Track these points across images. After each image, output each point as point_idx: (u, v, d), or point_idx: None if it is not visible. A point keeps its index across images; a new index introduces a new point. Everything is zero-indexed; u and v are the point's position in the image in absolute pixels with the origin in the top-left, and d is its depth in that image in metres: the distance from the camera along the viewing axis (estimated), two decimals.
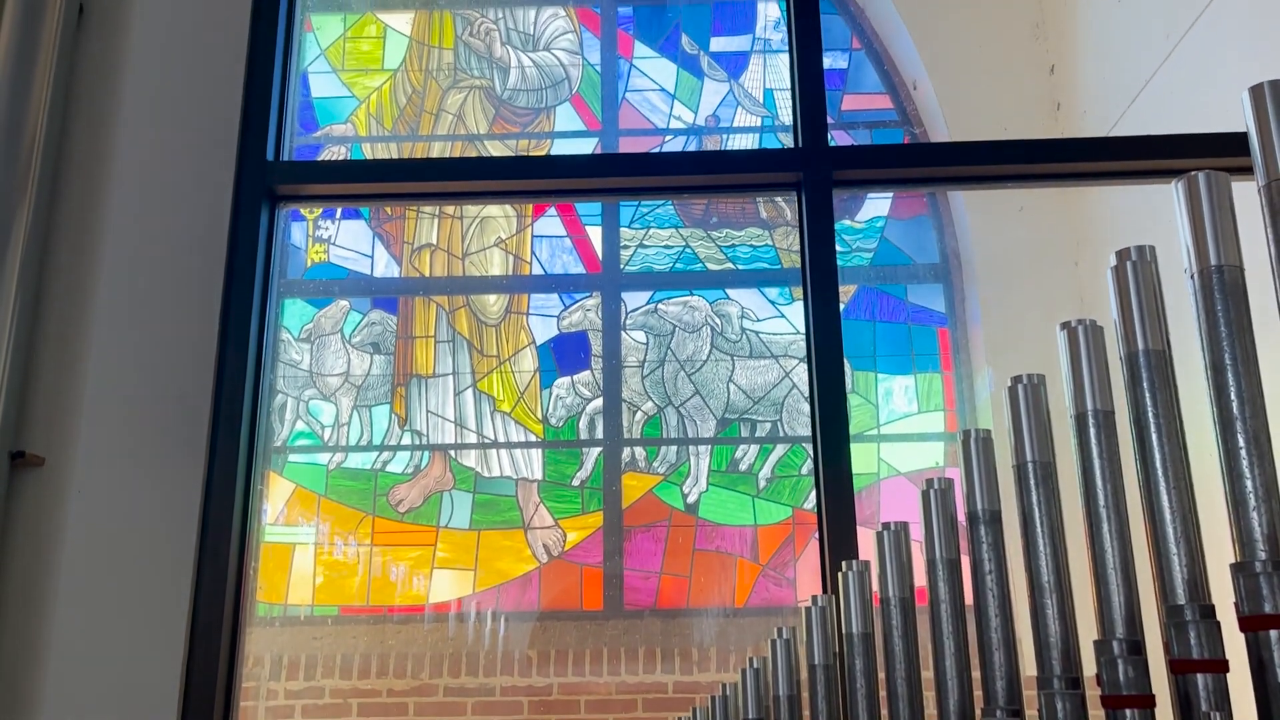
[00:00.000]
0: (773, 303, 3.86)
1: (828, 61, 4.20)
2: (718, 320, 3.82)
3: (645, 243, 3.91)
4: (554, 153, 4.02)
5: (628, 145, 4.02)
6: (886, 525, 1.22)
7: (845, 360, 3.84)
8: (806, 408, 3.77)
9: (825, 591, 2.17)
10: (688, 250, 3.91)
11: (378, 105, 4.13)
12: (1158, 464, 1.19)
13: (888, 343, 3.81)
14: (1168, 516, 1.16)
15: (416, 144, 4.06)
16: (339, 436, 3.75)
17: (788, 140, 4.07)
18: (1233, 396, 1.18)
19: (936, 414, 3.74)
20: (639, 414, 3.73)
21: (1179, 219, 1.32)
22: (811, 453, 2.01)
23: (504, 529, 3.64)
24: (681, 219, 3.89)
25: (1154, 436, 1.19)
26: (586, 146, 4.04)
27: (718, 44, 4.19)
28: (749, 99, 4.11)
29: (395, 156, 4.06)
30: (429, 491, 3.69)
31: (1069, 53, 3.64)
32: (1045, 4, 3.81)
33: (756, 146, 4.04)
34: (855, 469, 3.81)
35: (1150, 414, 1.20)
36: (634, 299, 3.84)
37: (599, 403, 3.73)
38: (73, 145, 1.78)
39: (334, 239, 3.97)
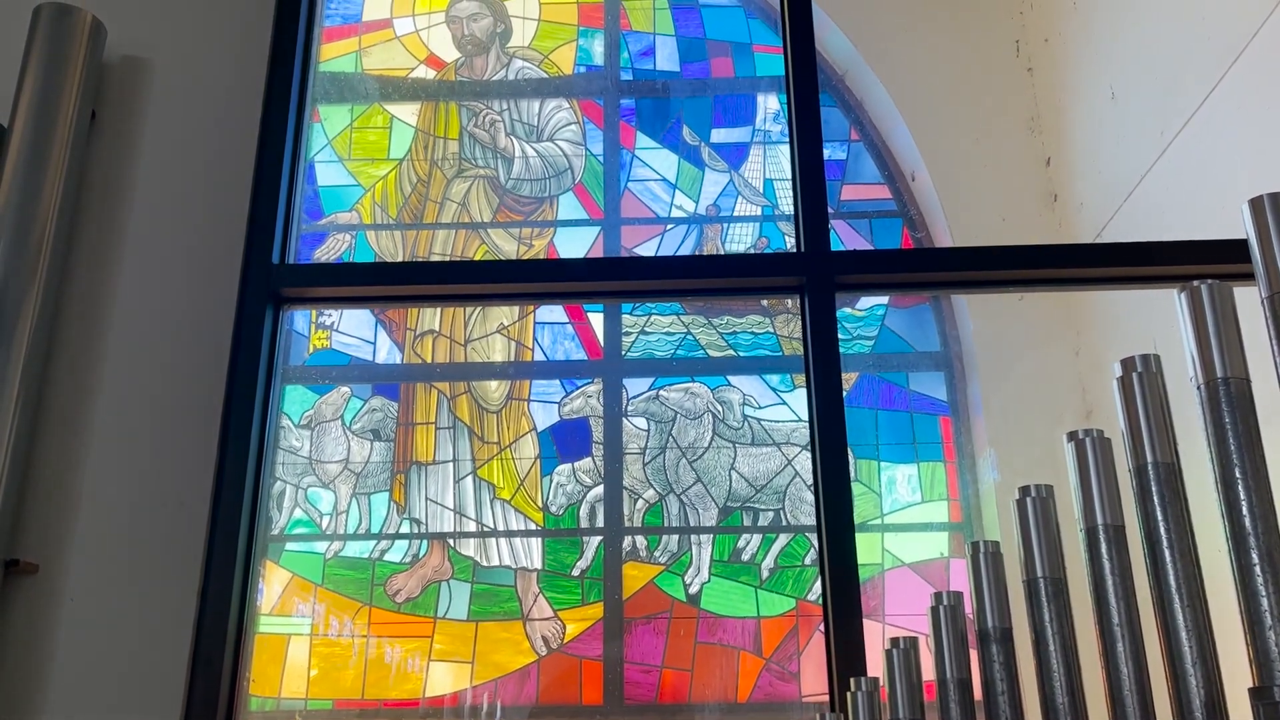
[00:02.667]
0: (774, 389, 3.86)
1: (826, 153, 4.28)
2: (719, 407, 3.82)
3: (647, 329, 3.93)
4: (557, 240, 4.07)
5: (629, 234, 4.06)
6: (896, 643, 1.20)
7: (849, 449, 3.84)
8: (809, 496, 3.74)
9: (831, 688, 2.12)
10: (689, 337, 3.93)
11: (383, 194, 4.18)
12: (1171, 581, 1.17)
13: (890, 431, 3.80)
14: (1183, 636, 1.14)
15: (421, 232, 4.11)
16: (337, 524, 3.71)
17: (788, 229, 4.12)
18: (1244, 512, 1.16)
19: (940, 503, 3.71)
20: (640, 502, 3.70)
21: (1183, 329, 1.33)
22: (816, 544, 1.99)
23: (503, 620, 3.58)
24: (683, 306, 3.91)
25: (1166, 552, 1.18)
26: (589, 236, 4.08)
27: (718, 135, 4.26)
28: (749, 189, 4.17)
29: (400, 244, 4.10)
30: (427, 581, 3.64)
31: (1065, 146, 3.70)
32: (1040, 98, 3.88)
33: (757, 235, 4.08)
34: (859, 559, 3.77)
35: (1162, 528, 1.19)
36: (635, 385, 3.84)
37: (600, 490, 3.70)
38: (80, 247, 1.80)
39: (337, 325, 3.98)
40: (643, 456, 3.74)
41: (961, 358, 3.79)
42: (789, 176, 4.29)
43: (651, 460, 3.73)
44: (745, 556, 3.64)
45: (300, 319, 3.93)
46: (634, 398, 3.81)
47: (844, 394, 3.98)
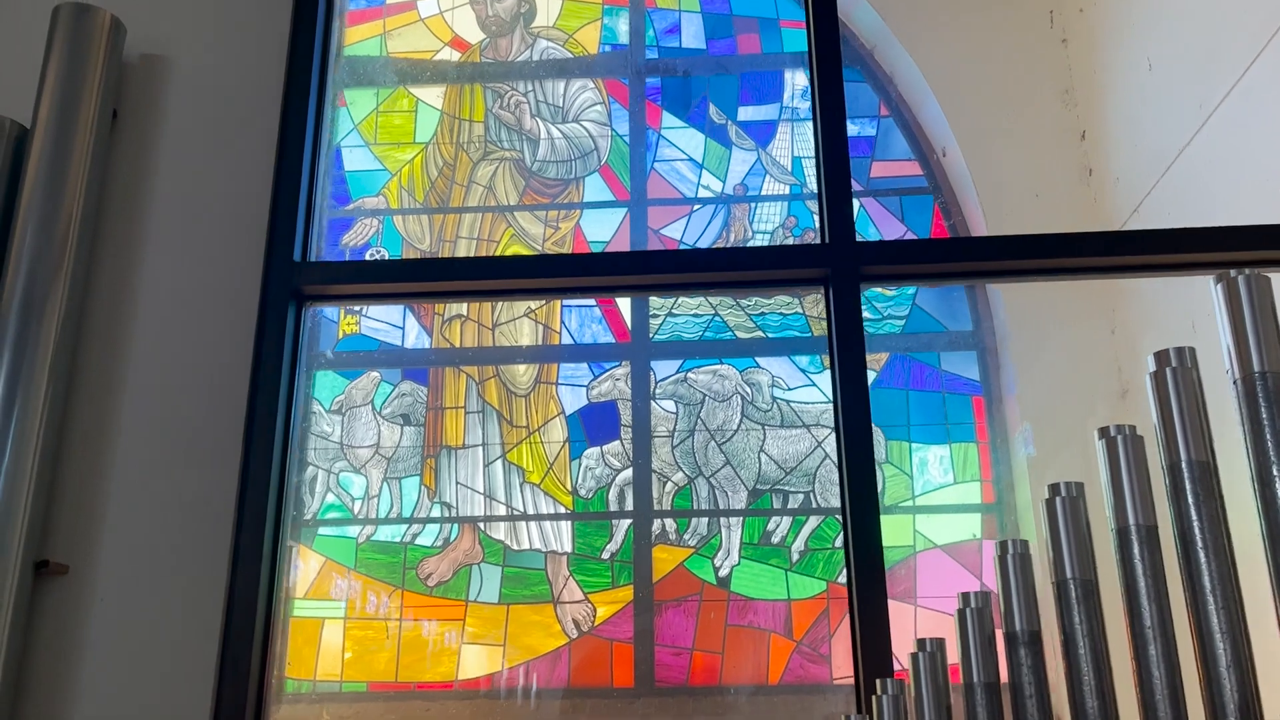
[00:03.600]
0: (803, 371, 3.82)
1: (855, 129, 4.22)
2: (748, 389, 3.79)
3: (674, 311, 3.91)
4: (584, 222, 4.05)
5: (656, 215, 4.03)
6: (922, 645, 1.18)
7: (878, 430, 3.80)
8: (838, 477, 3.72)
9: (856, 677, 2.10)
10: (717, 319, 3.90)
11: (409, 178, 4.18)
12: (1205, 582, 1.14)
13: (921, 411, 3.76)
14: (1217, 638, 1.11)
15: (447, 215, 4.10)
16: (369, 509, 3.74)
17: (815, 209, 4.07)
18: None
19: (973, 484, 3.67)
20: (669, 485, 3.69)
21: (1219, 320, 1.29)
22: (842, 534, 1.97)
23: (533, 603, 3.59)
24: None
25: (1200, 553, 1.15)
26: (616, 217, 4.06)
27: (745, 113, 4.21)
28: (777, 166, 4.12)
29: (426, 228, 4.10)
30: (458, 564, 3.66)
31: (1100, 119, 3.61)
32: (1075, 70, 3.79)
33: (785, 215, 4.04)
34: (890, 541, 3.74)
35: (1196, 528, 1.16)
36: (663, 368, 3.82)
37: (629, 473, 3.70)
38: (105, 246, 1.81)
39: (365, 310, 3.99)
40: (671, 439, 3.72)
41: (995, 336, 3.73)
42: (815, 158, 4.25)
43: (680, 443, 3.72)
44: (775, 539, 3.62)
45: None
46: (662, 380, 3.80)
47: (874, 374, 3.95)
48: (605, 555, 3.60)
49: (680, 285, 1.93)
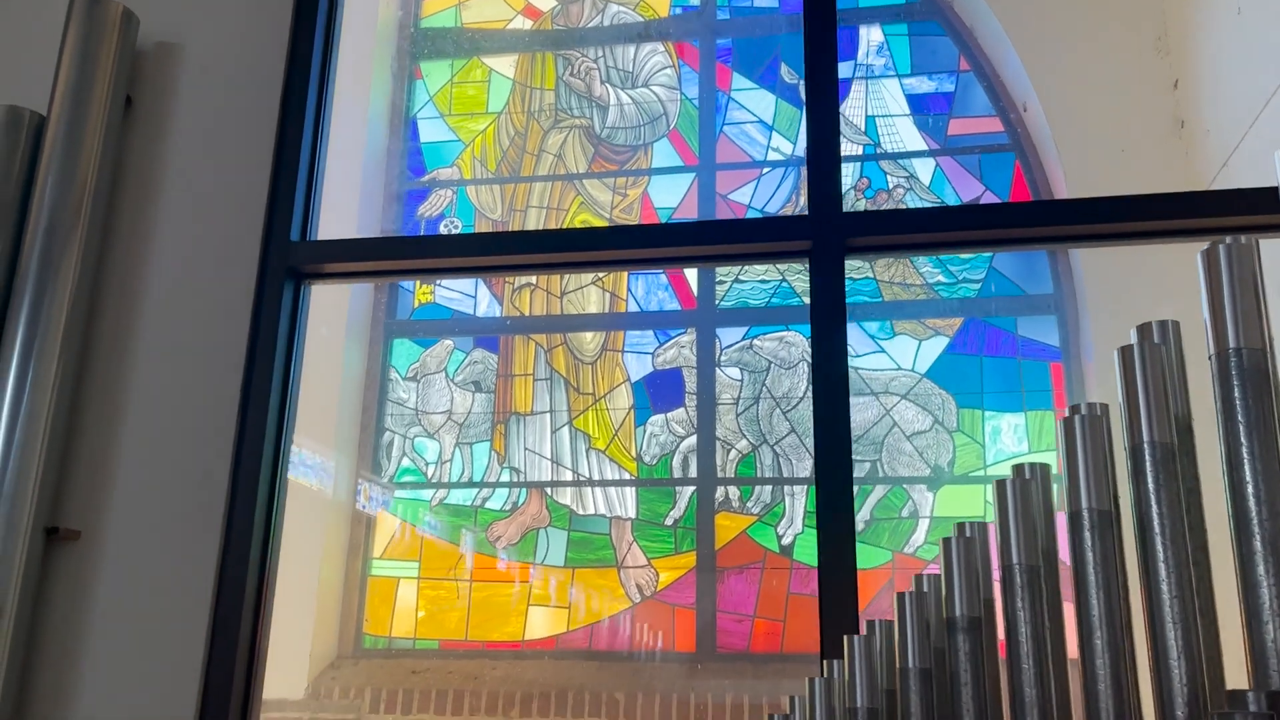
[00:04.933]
0: (872, 337, 3.74)
1: (933, 85, 4.06)
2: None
3: (741, 278, 3.87)
4: (651, 189, 4.04)
5: (724, 180, 3.98)
6: (872, 626, 1.15)
7: (950, 397, 3.68)
8: (908, 446, 3.64)
9: (822, 651, 2.03)
10: (784, 284, 3.84)
11: (482, 148, 4.24)
12: (1160, 568, 1.08)
13: (996, 379, 3.63)
14: (1168, 627, 1.05)
15: (518, 185, 4.15)
16: (441, 473, 3.85)
17: (890, 168, 3.95)
18: (1249, 495, 1.06)
19: (1049, 454, 3.53)
20: (733, 452, 3.68)
21: (1202, 293, 1.21)
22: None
23: (598, 567, 3.65)
24: None
25: (1156, 538, 1.08)
26: (684, 183, 4.03)
27: None
28: (850, 127, 4.00)
29: (498, 197, 4.15)
30: (526, 528, 3.74)
31: (1193, 67, 3.38)
32: (1169, 15, 3.56)
33: (857, 175, 3.93)
34: (961, 511, 3.64)
35: (1154, 513, 1.10)
36: (729, 335, 3.79)
37: (693, 441, 3.70)
38: (117, 226, 1.91)
39: (439, 280, 4.09)
40: (736, 406, 3.70)
41: (1075, 299, 3.57)
42: (893, 113, 4.11)
43: (745, 410, 3.70)
44: None
45: None
46: (727, 347, 3.77)
47: (948, 340, 3.82)
48: (669, 522, 3.62)
49: (661, 260, 1.91)
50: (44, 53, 1.87)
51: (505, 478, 3.80)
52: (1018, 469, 1.21)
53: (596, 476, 3.74)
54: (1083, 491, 1.11)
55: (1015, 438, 3.54)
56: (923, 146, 3.91)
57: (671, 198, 4.00)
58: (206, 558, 1.66)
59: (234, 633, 1.64)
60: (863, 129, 4.00)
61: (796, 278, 3.83)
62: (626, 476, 3.71)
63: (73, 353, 1.74)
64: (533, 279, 4.00)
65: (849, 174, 3.97)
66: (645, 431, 3.74)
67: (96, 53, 1.79)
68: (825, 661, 1.14)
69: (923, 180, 3.87)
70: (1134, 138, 3.48)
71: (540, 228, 4.02)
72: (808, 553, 3.54)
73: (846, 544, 1.71)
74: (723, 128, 4.06)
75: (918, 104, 3.98)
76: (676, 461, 3.69)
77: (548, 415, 3.84)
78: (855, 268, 3.85)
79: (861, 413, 3.66)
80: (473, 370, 3.96)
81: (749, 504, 3.62)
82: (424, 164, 4.25)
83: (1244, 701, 0.92)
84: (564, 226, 3.96)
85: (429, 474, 3.87)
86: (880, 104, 4.01)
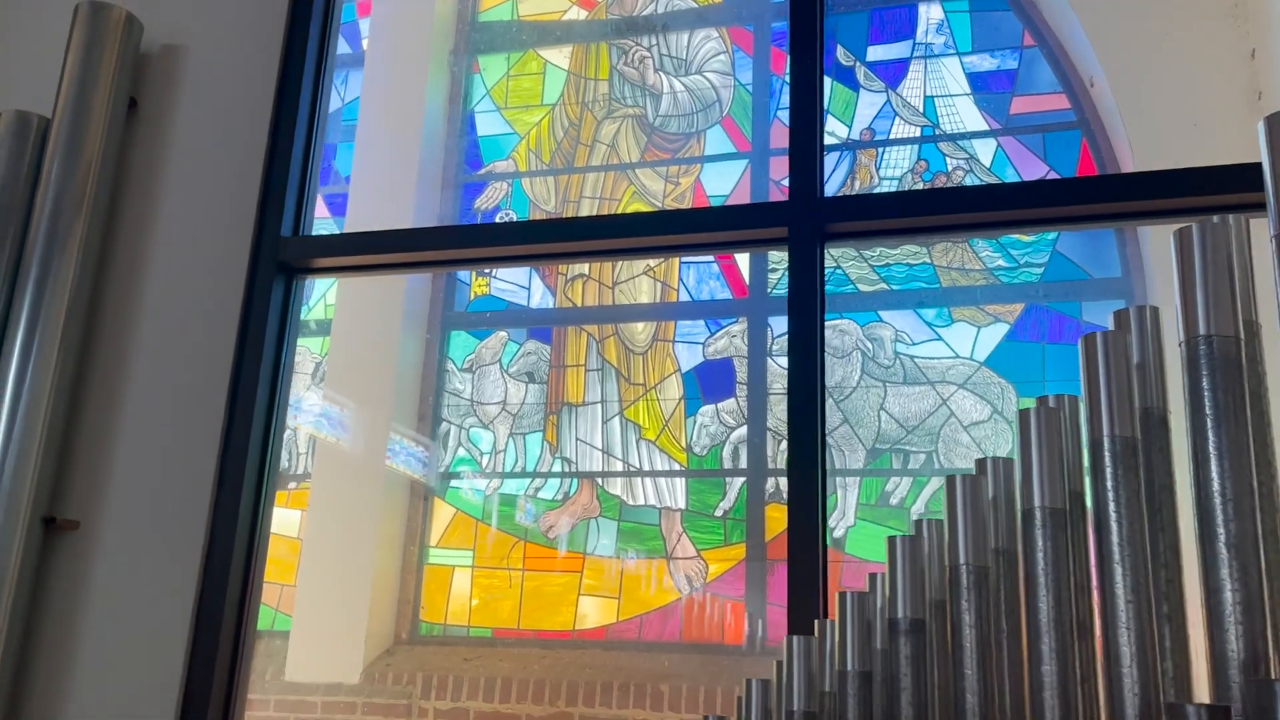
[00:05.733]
0: (929, 324, 3.63)
1: (995, 63, 3.91)
2: (869, 344, 3.64)
3: None
4: (704, 176, 3.99)
5: (778, 165, 3.91)
6: (792, 637, 1.11)
7: (1009, 386, 3.55)
8: (965, 437, 3.52)
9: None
10: (838, 271, 3.75)
11: (536, 140, 4.26)
12: (1115, 569, 1.01)
13: (1059, 366, 3.48)
14: (1121, 632, 0.99)
15: (572, 176, 4.15)
16: (495, 463, 3.89)
17: (949, 149, 3.82)
18: (1215, 492, 0.99)
19: None
20: (784, 443, 3.61)
21: (1174, 277, 1.14)
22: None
23: (647, 558, 3.64)
24: None
25: (1113, 537, 1.02)
26: (736, 169, 3.97)
27: (875, 53, 3.99)
28: (908, 108, 3.89)
29: (552, 189, 4.17)
30: (577, 518, 3.75)
31: (1272, 35, 3.18)
32: None
33: (915, 158, 3.82)
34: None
35: (1111, 509, 1.03)
36: (781, 324, 3.72)
37: (743, 431, 3.65)
38: (119, 225, 1.97)
39: (494, 272, 4.12)
40: (787, 397, 3.63)
41: (1144, 283, 3.40)
42: (952, 92, 3.97)
43: None
44: (894, 500, 3.48)
45: None
46: (779, 336, 3.71)
47: (1008, 327, 3.68)
48: (718, 513, 3.58)
49: (635, 250, 1.87)
50: (50, 58, 1.95)
51: (557, 468, 3.82)
52: (980, 463, 1.15)
53: (647, 467, 3.72)
54: (1035, 488, 1.04)
55: None
56: (984, 127, 3.77)
57: (724, 184, 3.95)
58: (191, 550, 1.71)
59: (216, 621, 1.69)
60: (921, 110, 3.87)
61: (851, 264, 3.74)
62: (676, 467, 3.69)
63: (72, 346, 1.81)
64: (585, 269, 4.00)
65: (906, 157, 3.86)
66: (695, 422, 3.71)
67: (99, 57, 1.85)
68: (777, 662, 1.11)
69: (983, 161, 3.74)
70: (1207, 111, 3.29)
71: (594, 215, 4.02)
72: (859, 545, 3.46)
73: (815, 537, 1.65)
74: (776, 112, 3.99)
75: (979, 82, 3.84)
76: (727, 452, 3.65)
77: (599, 406, 3.85)
78: (912, 253, 3.75)
79: (917, 402, 3.56)
80: (526, 361, 3.99)
81: None
82: (481, 157, 4.29)
83: (1183, 714, 0.86)
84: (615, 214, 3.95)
85: (483, 464, 3.91)
86: (940, 84, 3.88)
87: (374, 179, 4.19)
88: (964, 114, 3.81)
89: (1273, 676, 0.94)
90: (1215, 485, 1.00)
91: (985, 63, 3.84)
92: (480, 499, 3.88)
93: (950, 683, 1.01)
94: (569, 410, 3.87)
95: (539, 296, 4.07)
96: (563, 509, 3.77)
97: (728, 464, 3.64)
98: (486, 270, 4.00)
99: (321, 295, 4.24)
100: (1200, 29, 3.39)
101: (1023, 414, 1.08)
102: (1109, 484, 1.04)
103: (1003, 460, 1.17)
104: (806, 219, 1.61)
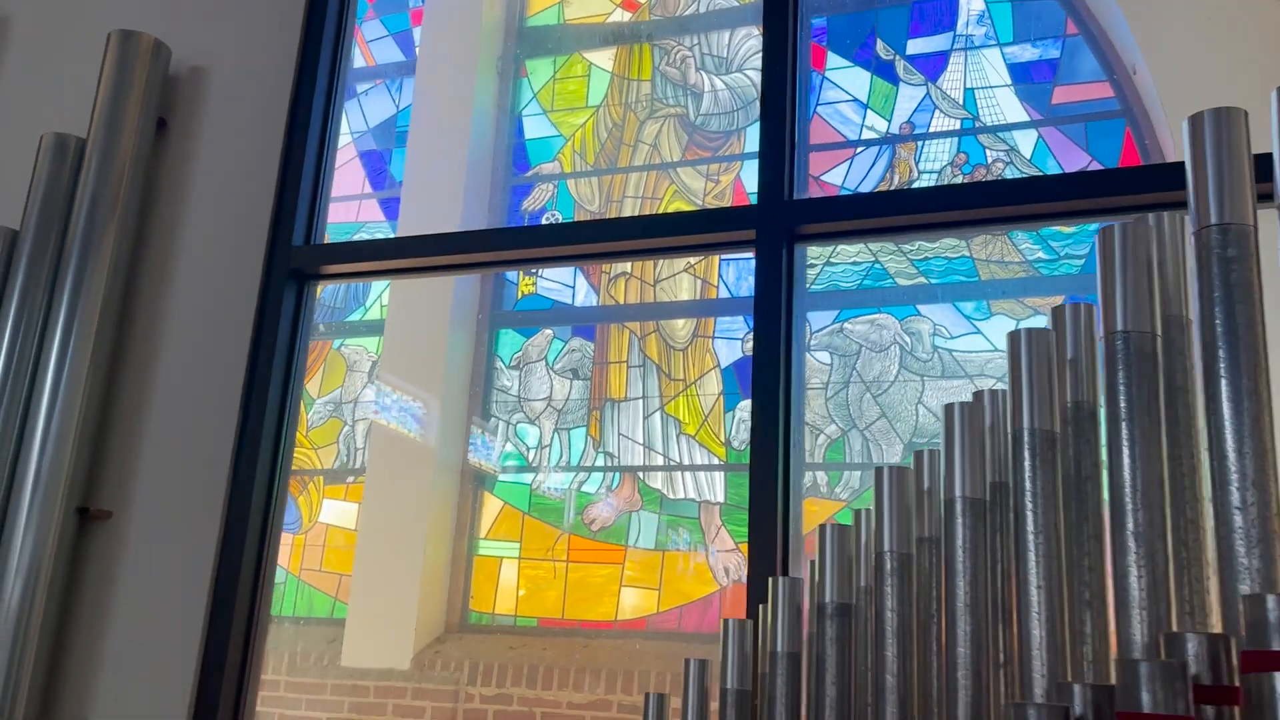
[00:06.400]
0: (968, 318, 3.61)
1: (1036, 53, 3.87)
2: (907, 339, 3.65)
3: (832, 260, 3.81)
4: (745, 174, 4.03)
5: (817, 161, 3.93)
6: (728, 620, 1.17)
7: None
8: None
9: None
10: (876, 266, 3.76)
11: (581, 142, 4.35)
12: (1030, 558, 1.05)
13: None
14: (1033, 618, 1.03)
15: (615, 176, 4.23)
16: (541, 458, 4.00)
17: (989, 141, 3.80)
18: (1125, 483, 1.03)
19: None
20: (821, 437, 3.65)
21: (1097, 275, 1.17)
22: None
23: (687, 550, 3.70)
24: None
25: (1028, 526, 1.05)
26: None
27: (915, 46, 3.98)
28: (948, 101, 3.87)
29: (596, 190, 4.25)
30: (619, 511, 3.84)
31: None
32: None
33: (955, 151, 3.80)
34: None
35: (1028, 499, 1.07)
36: (818, 319, 3.75)
37: None
38: (149, 237, 2.11)
39: (541, 271, 4.23)
40: (825, 391, 3.66)
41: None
42: (993, 84, 3.93)
43: (834, 395, 3.65)
44: None
45: None
46: (817, 331, 3.73)
47: (1047, 320, 3.64)
48: None
49: (606, 254, 1.92)
50: (85, 83, 2.10)
51: (600, 462, 3.91)
52: (918, 455, 1.19)
53: (686, 461, 3.79)
54: (957, 479, 1.09)
55: None
56: (1025, 118, 3.74)
57: None
58: (207, 540, 1.84)
59: (228, 612, 1.81)
60: (961, 103, 3.85)
61: (890, 258, 3.75)
62: (715, 461, 3.74)
63: (104, 346, 1.96)
64: (628, 267, 4.08)
65: (945, 151, 3.84)
66: (734, 417, 3.76)
67: (129, 81, 2.00)
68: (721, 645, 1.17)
69: (1023, 153, 3.70)
70: (1252, 97, 3.21)
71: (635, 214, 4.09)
72: None
73: (770, 543, 1.69)
74: (816, 108, 4.00)
75: (1020, 73, 3.80)
76: None
77: (640, 401, 3.92)
78: (950, 247, 3.73)
79: (955, 396, 3.55)
80: (571, 358, 4.08)
81: (837, 489, 3.58)
82: (528, 160, 4.40)
83: (1023, 714, 0.89)
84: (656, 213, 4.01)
85: (529, 458, 4.02)
86: (980, 75, 3.85)
87: (425, 182, 4.33)
88: (1004, 105, 3.78)
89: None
90: (1125, 475, 1.03)
91: (1026, 53, 3.80)
92: (527, 493, 3.99)
93: (872, 665, 1.06)
94: (611, 406, 3.96)
95: (583, 294, 4.16)
96: (605, 502, 3.86)
97: None
98: (533, 270, 4.10)
99: (377, 296, 4.40)
100: (1244, 10, 3.31)
101: (947, 408, 1.12)
102: (1026, 475, 1.07)
103: (939, 453, 1.21)
104: (774, 221, 1.65)
